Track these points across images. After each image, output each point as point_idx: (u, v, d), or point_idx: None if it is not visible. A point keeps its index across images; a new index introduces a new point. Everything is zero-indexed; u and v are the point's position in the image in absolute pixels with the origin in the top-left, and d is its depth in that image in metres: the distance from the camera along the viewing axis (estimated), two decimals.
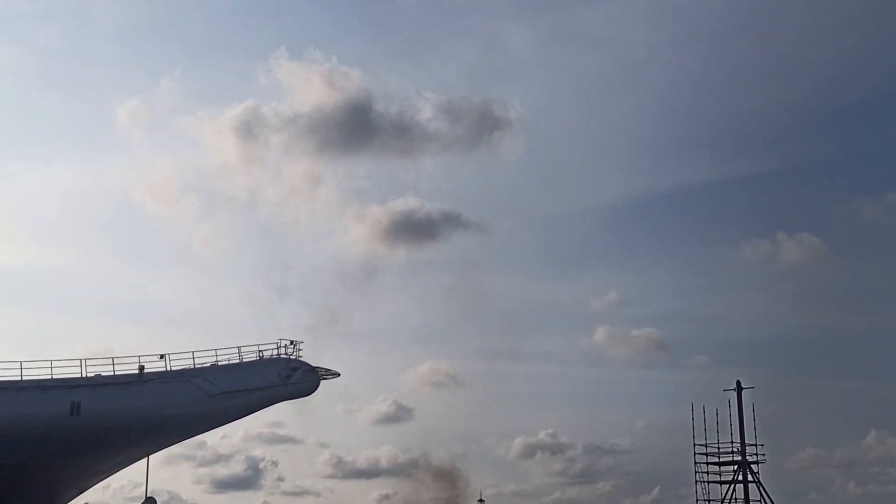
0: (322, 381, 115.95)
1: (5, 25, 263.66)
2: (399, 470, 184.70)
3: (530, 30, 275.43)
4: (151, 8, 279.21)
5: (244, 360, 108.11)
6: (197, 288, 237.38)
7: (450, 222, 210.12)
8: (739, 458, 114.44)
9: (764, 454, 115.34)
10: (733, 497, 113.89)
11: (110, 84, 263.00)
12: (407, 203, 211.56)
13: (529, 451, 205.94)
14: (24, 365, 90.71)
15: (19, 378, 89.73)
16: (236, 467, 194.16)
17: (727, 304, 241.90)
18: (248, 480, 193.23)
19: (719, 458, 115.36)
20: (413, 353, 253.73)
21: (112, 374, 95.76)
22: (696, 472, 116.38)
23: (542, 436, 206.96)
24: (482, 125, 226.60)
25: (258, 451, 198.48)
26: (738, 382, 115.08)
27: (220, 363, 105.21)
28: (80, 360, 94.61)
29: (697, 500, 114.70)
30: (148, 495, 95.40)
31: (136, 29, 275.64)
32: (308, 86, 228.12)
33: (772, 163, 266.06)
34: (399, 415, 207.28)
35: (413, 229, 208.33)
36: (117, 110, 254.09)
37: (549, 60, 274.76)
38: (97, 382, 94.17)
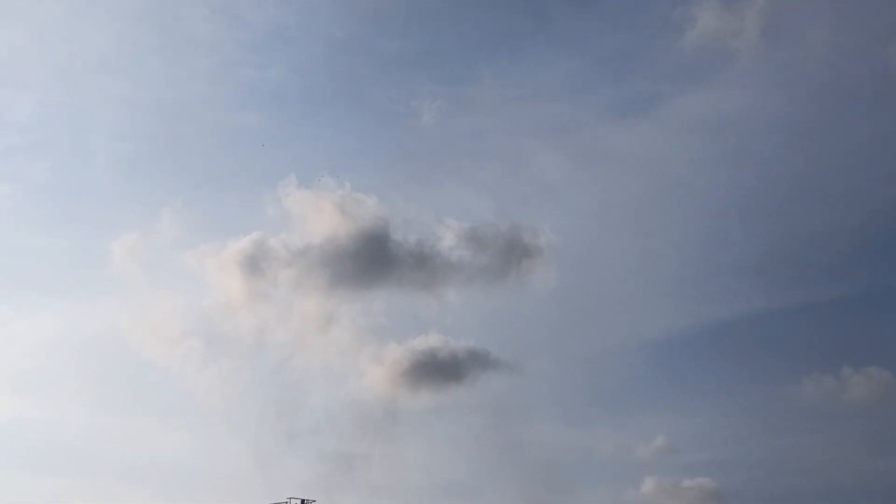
0: None
1: None
2: None
3: (558, 150, 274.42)
4: (151, 139, 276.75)
5: None
6: (200, 441, 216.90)
7: (477, 362, 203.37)
8: None
9: None
10: None
11: (106, 219, 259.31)
12: (429, 341, 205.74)
13: None
14: None
15: None
16: None
17: (788, 449, 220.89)
18: None
19: None
20: None
21: None
22: None
23: None
24: (510, 253, 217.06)
25: None
26: None
27: None
28: None
29: None
30: None
31: (134, 160, 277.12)
32: (320, 215, 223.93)
33: (833, 290, 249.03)
34: None
35: (437, 370, 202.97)
36: (113, 247, 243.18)
37: (579, 183, 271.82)
38: None
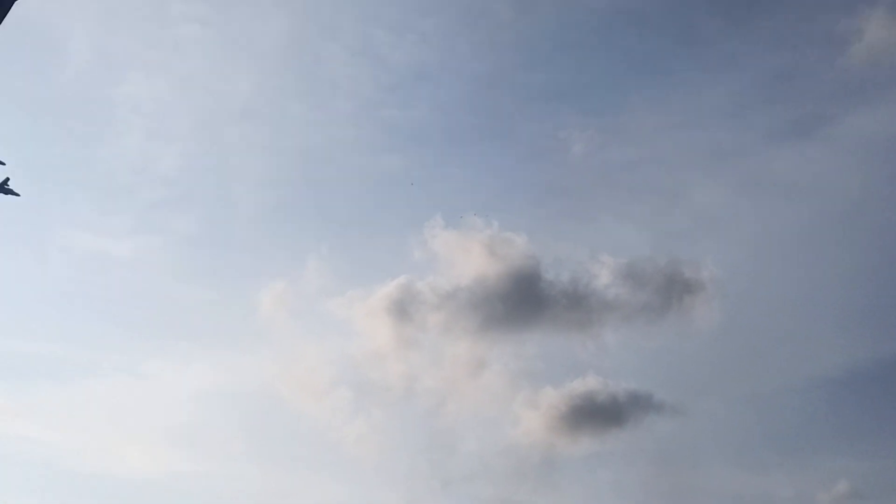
0: None
1: (145, 214, 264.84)
2: None
3: (717, 179, 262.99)
4: (294, 185, 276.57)
5: None
6: (352, 491, 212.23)
7: (639, 404, 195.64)
8: None
9: None
10: None
11: (253, 268, 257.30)
12: (587, 384, 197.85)
13: None
14: None
15: None
16: None
17: None
18: None
19: None
20: None
21: None
22: None
23: None
24: (670, 289, 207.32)
25: None
26: None
27: None
28: None
29: None
30: None
31: (279, 208, 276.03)
32: (467, 256, 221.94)
33: None
34: None
35: (596, 414, 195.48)
36: (261, 296, 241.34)
37: (742, 212, 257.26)
38: None
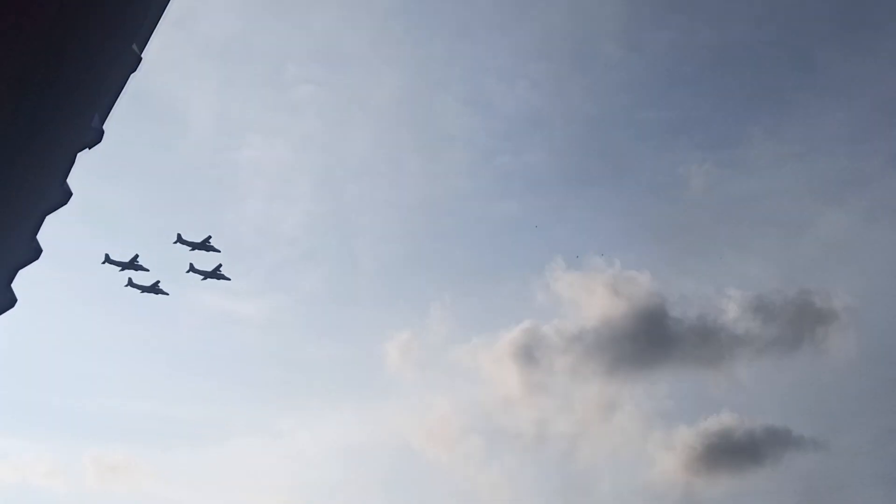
0: None
1: (271, 275, 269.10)
2: None
3: (843, 206, 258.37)
4: (414, 237, 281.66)
5: None
6: None
7: (778, 440, 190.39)
8: None
9: None
10: None
11: (378, 321, 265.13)
12: (722, 421, 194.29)
13: None
14: None
15: None
16: None
17: None
18: None
19: None
20: None
21: None
22: None
23: None
24: (802, 321, 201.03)
25: None
26: None
27: None
28: None
29: None
30: None
31: (399, 260, 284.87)
32: (591, 296, 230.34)
33: None
34: None
35: (733, 452, 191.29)
36: (387, 348, 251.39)
37: (872, 239, 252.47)
38: None
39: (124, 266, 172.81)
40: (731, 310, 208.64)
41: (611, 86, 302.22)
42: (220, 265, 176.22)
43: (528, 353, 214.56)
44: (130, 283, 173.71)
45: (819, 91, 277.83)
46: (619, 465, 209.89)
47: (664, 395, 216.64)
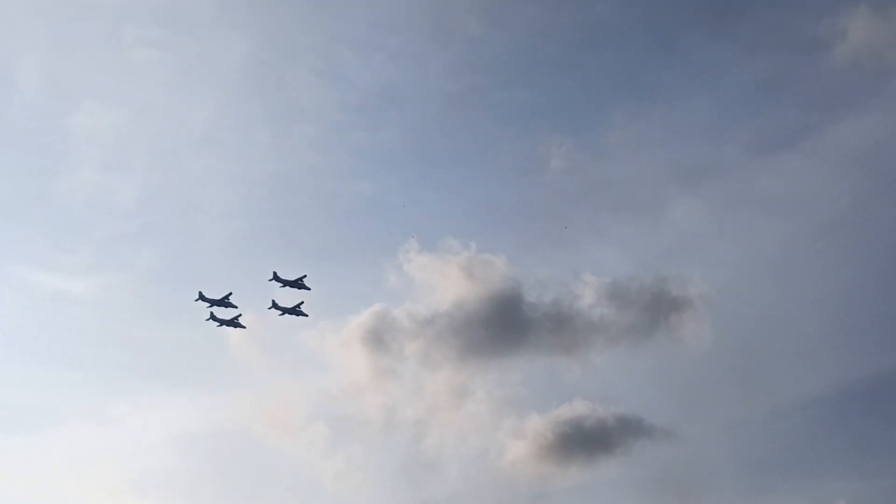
0: None
1: (104, 250, 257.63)
2: None
3: (702, 194, 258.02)
4: (261, 214, 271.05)
5: None
6: None
7: (630, 429, 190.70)
8: None
9: None
10: None
11: None
12: (575, 409, 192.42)
13: None
14: None
15: None
16: None
17: None
18: None
19: None
20: None
21: None
22: None
23: None
24: (657, 308, 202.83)
25: None
26: None
27: None
28: None
29: None
30: None
31: (244, 238, 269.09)
32: (445, 280, 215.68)
33: None
34: None
35: (585, 441, 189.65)
36: (229, 330, 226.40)
37: (729, 228, 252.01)
38: None
39: None
40: (587, 296, 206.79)
41: (471, 63, 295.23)
42: (302, 303, 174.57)
43: (378, 338, 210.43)
44: None
45: (681, 76, 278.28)
46: (469, 454, 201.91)
47: (517, 382, 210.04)
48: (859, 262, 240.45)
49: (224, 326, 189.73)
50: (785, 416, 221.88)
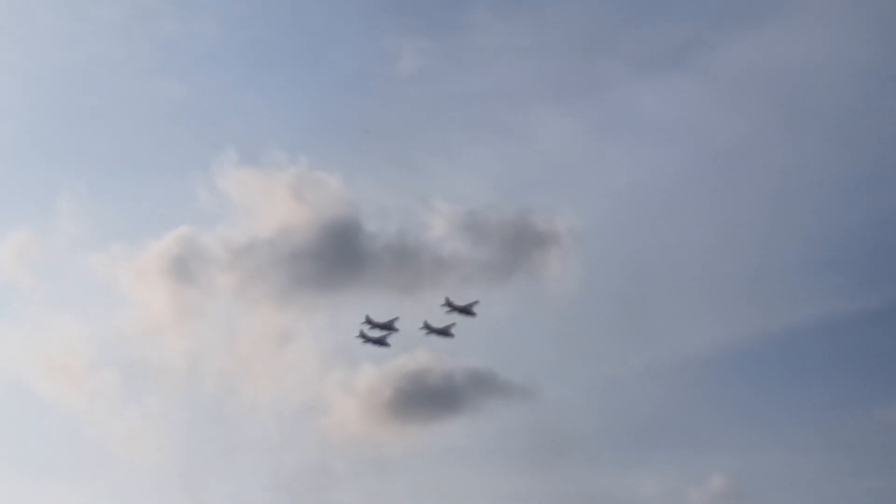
0: None
1: None
2: None
3: (575, 115, 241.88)
4: (46, 114, 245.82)
5: None
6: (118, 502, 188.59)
7: (480, 386, 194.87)
8: None
9: None
10: None
11: None
12: (417, 361, 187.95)
13: None
14: None
15: None
16: None
17: (885, 492, 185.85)
18: None
19: None
20: None
21: None
22: None
23: None
24: (518, 243, 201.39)
25: None
26: None
27: None
28: None
29: None
30: None
31: (25, 141, 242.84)
32: (268, 200, 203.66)
33: None
34: None
35: (428, 398, 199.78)
36: None
37: (604, 154, 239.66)
38: None
39: None
40: (437, 226, 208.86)
41: None
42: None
43: (183, 268, 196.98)
44: None
45: None
46: (288, 412, 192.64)
47: (350, 326, 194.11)
48: (756, 201, 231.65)
49: None
50: (660, 376, 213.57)
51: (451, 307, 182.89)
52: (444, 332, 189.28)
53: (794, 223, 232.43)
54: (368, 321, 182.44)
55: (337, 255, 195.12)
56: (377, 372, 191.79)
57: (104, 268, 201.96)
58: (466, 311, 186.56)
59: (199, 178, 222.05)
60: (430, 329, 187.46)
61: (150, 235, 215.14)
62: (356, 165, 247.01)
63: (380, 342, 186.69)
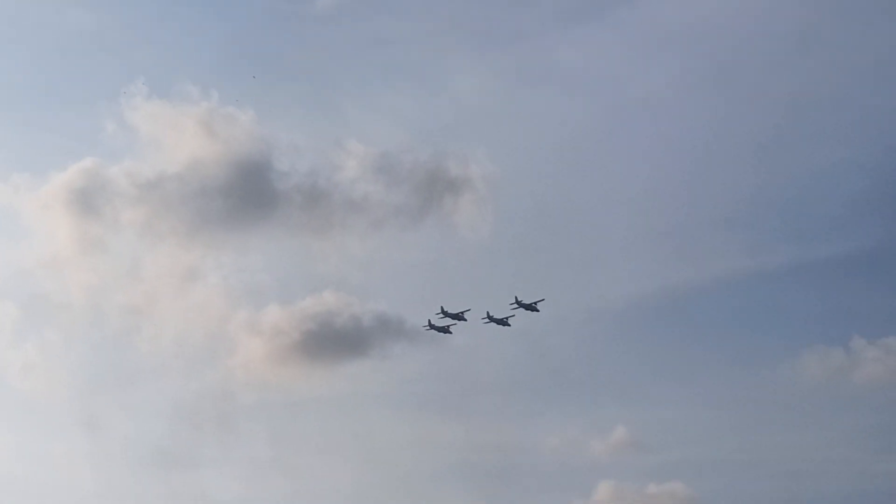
0: None
1: None
2: None
3: (494, 63, 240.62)
4: None
5: None
6: (19, 441, 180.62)
7: (389, 330, 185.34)
8: None
9: None
10: None
11: None
12: (325, 303, 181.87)
13: None
14: None
15: None
16: None
17: (780, 447, 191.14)
18: None
19: None
20: None
21: None
22: None
23: None
24: (431, 188, 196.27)
25: None
26: None
27: None
28: None
29: None
30: None
31: None
32: (178, 134, 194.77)
33: (840, 245, 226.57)
34: None
35: (335, 341, 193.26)
36: None
37: (520, 103, 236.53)
38: None
39: None
40: (350, 168, 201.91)
41: None
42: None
43: (87, 202, 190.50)
44: None
45: None
46: (192, 351, 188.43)
47: (258, 266, 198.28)
48: (670, 155, 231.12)
49: None
50: (565, 327, 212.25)
51: (518, 304, 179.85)
52: (503, 321, 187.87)
53: (708, 179, 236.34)
54: (442, 311, 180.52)
55: (247, 194, 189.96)
56: (284, 313, 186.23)
57: (6, 198, 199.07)
58: (531, 307, 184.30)
59: (106, 110, 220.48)
60: (490, 319, 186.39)
61: (54, 167, 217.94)
62: (269, 103, 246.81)
63: (443, 330, 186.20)
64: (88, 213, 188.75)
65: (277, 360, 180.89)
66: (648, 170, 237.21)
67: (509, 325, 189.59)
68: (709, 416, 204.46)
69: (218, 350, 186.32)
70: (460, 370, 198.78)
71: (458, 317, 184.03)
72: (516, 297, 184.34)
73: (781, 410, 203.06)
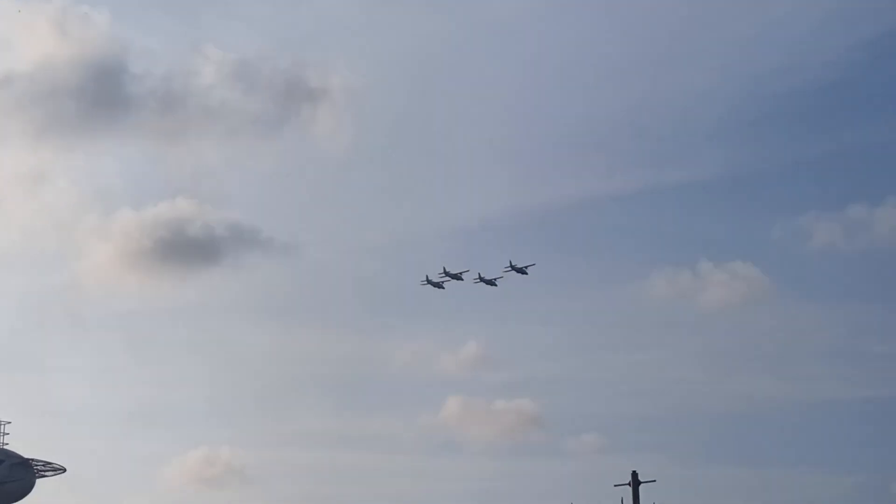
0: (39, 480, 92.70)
1: None
2: None
3: None
4: None
5: None
6: None
7: (243, 240, 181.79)
8: None
9: None
10: None
11: None
12: (177, 209, 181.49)
13: None
14: None
15: None
16: None
17: (626, 365, 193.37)
18: None
19: None
20: (179, 435, 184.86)
21: None
22: None
23: None
24: (290, 97, 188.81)
25: None
26: (635, 474, 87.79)
27: None
28: None
29: None
30: None
31: None
32: (28, 33, 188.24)
33: (693, 170, 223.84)
34: None
35: (187, 249, 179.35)
36: None
37: (383, 14, 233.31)
38: None
39: None
40: (207, 74, 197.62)
41: None
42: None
43: None
44: None
45: None
46: (38, 256, 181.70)
47: (109, 170, 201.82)
48: (530, 74, 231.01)
49: None
50: (420, 243, 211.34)
51: (511, 268, 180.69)
52: (491, 282, 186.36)
53: (563, 101, 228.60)
54: (445, 272, 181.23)
55: (99, 96, 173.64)
56: (135, 218, 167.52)
57: None
58: (521, 270, 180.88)
59: None
60: (481, 279, 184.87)
61: None
62: (125, 4, 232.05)
63: (437, 285, 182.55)
64: None
65: (127, 265, 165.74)
66: (507, 89, 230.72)
67: (496, 286, 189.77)
68: (559, 334, 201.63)
69: (65, 255, 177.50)
70: (313, 283, 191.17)
71: (457, 277, 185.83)
72: (510, 262, 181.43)
73: (629, 330, 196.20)
